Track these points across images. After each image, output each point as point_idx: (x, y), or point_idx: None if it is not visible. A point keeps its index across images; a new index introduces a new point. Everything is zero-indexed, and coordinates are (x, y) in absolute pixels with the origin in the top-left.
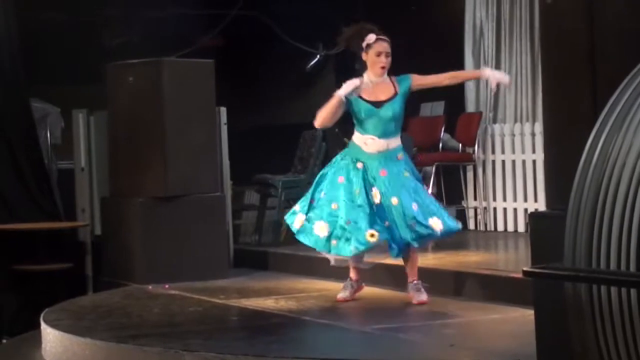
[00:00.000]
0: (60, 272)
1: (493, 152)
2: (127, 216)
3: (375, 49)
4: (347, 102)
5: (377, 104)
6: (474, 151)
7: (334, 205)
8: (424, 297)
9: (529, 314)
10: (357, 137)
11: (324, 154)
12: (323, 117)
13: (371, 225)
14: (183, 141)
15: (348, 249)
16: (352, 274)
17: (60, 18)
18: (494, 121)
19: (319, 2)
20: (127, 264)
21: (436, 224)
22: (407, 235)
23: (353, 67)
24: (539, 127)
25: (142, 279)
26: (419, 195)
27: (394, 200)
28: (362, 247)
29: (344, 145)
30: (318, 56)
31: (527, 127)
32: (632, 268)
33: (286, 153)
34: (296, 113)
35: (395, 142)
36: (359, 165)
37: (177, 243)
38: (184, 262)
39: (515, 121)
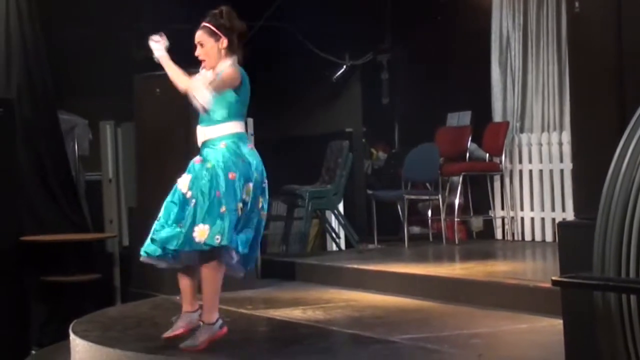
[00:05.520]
0: (89, 283)
1: (520, 161)
2: None
3: None
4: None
5: None
6: (501, 161)
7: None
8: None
9: (557, 323)
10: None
11: (351, 165)
12: None
13: None
14: None
15: None
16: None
17: (89, 31)
18: (521, 131)
19: (345, 13)
20: (155, 275)
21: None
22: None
23: (379, 76)
24: (566, 137)
25: (170, 289)
26: None
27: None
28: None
29: (370, 155)
30: (344, 66)
31: (555, 136)
32: None
33: (313, 163)
34: (323, 123)
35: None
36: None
37: None
38: None
39: (543, 130)
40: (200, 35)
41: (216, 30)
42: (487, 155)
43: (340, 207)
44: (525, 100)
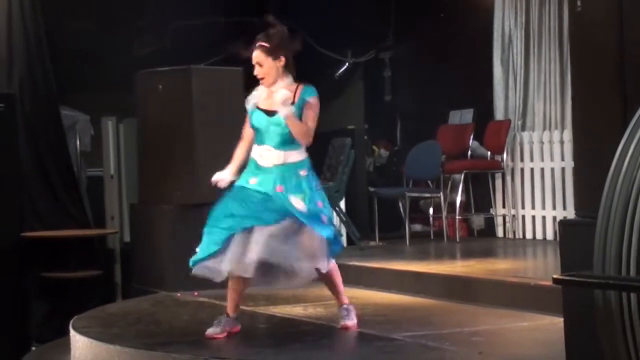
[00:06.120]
0: (90, 280)
1: (522, 159)
2: (156, 223)
3: None
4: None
5: (270, 113)
6: (502, 159)
7: None
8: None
9: (558, 321)
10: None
11: (353, 162)
12: None
13: None
14: (212, 148)
15: None
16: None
17: (91, 27)
18: (523, 129)
19: (348, 11)
20: (156, 271)
21: None
22: None
23: (382, 74)
24: (567, 135)
25: (171, 286)
26: None
27: None
28: None
29: (372, 153)
30: (347, 64)
31: (556, 134)
32: None
33: (315, 161)
34: (325, 121)
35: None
36: (252, 181)
37: None
38: None
39: (544, 129)
40: (258, 56)
41: (274, 50)
42: (489, 153)
43: (342, 204)
44: (527, 99)
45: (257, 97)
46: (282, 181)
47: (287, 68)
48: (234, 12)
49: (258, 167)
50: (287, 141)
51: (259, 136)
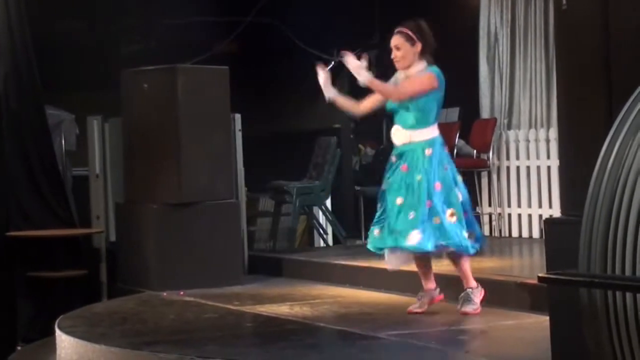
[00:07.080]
0: (75, 279)
1: (508, 158)
2: (141, 223)
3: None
4: None
5: None
6: (488, 157)
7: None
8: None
9: (544, 320)
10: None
11: (339, 161)
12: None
13: None
14: (198, 148)
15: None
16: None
17: (76, 25)
18: (509, 127)
19: (334, 9)
20: (141, 271)
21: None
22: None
23: None
24: (553, 133)
25: (157, 285)
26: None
27: None
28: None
29: (358, 152)
30: (333, 62)
31: (542, 133)
32: None
33: (301, 160)
34: (311, 119)
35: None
36: (393, 158)
37: (191, 249)
38: (198, 268)
39: (530, 127)
40: (396, 39)
41: (412, 36)
42: (475, 151)
43: (328, 203)
44: (513, 97)
45: (393, 80)
46: (407, 159)
47: (422, 55)
48: (220, 11)
49: (394, 147)
50: (414, 122)
51: (394, 116)
